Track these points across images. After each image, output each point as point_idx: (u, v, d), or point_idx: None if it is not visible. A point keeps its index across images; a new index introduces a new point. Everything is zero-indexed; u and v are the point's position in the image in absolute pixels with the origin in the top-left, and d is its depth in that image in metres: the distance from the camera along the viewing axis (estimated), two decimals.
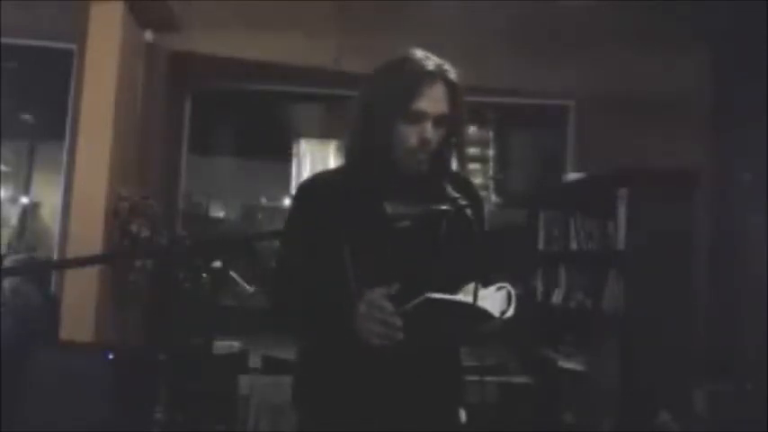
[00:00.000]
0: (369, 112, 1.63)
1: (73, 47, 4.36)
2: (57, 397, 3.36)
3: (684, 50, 4.63)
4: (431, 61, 1.62)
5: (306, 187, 1.74)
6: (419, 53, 1.63)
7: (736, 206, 4.43)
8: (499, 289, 1.57)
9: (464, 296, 1.51)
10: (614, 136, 4.48)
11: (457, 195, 1.61)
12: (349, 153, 1.70)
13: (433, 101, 1.58)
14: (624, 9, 4.64)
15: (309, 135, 5.54)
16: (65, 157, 4.35)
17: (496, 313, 1.50)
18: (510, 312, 1.54)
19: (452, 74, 1.62)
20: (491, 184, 5.13)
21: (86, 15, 3.94)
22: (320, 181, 1.75)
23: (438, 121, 1.60)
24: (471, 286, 1.52)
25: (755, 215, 4.20)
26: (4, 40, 4.23)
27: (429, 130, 1.58)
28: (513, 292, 1.59)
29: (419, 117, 1.58)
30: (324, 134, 5.59)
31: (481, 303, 1.48)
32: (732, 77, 4.59)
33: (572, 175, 4.26)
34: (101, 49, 3.91)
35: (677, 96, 4.56)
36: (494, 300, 1.52)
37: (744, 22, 4.46)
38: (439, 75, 1.60)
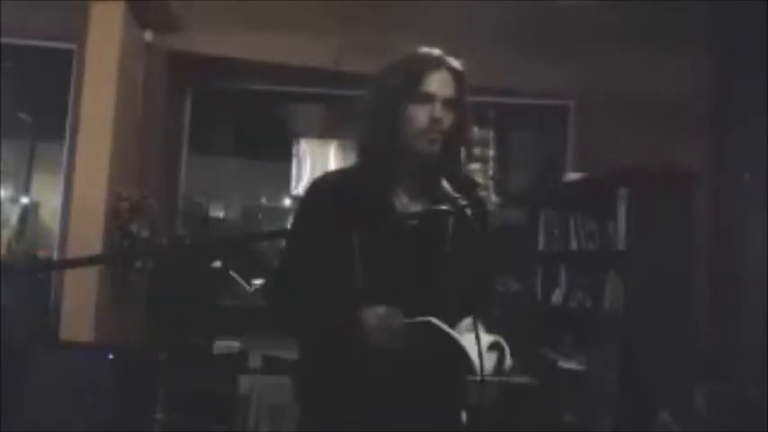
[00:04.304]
0: (380, 99, 1.70)
1: (73, 47, 4.36)
2: (57, 397, 3.35)
3: (684, 50, 4.62)
4: (435, 51, 1.71)
5: (317, 185, 1.78)
6: (424, 48, 1.73)
7: (736, 206, 4.43)
8: (492, 348, 1.57)
9: (463, 333, 1.55)
10: (614, 136, 4.48)
11: (457, 195, 1.63)
12: (360, 145, 1.74)
13: (440, 84, 1.66)
14: (624, 9, 4.64)
15: (309, 135, 5.54)
16: (65, 157, 4.35)
17: (479, 371, 1.51)
18: (493, 372, 1.56)
19: (455, 62, 1.71)
20: (491, 184, 5.13)
21: (86, 15, 3.94)
22: (331, 179, 1.79)
23: (446, 103, 1.66)
24: (469, 321, 1.56)
25: (755, 215, 4.20)
26: (4, 40, 4.23)
27: (439, 110, 1.65)
28: (507, 349, 1.60)
29: (428, 98, 1.65)
30: (324, 134, 5.59)
31: (472, 354, 1.50)
32: (732, 77, 4.59)
33: (572, 175, 4.26)
34: (101, 49, 3.91)
35: (677, 96, 4.56)
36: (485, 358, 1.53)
37: (744, 21, 4.46)
38: (443, 62, 1.69)
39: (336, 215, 1.65)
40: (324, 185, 1.77)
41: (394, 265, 1.63)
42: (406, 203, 1.70)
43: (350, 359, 1.62)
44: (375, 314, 1.56)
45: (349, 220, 1.63)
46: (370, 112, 1.72)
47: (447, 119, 1.66)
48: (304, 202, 1.78)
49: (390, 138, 1.67)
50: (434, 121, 1.64)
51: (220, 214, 6.68)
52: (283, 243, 1.92)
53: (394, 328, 1.54)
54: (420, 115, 1.64)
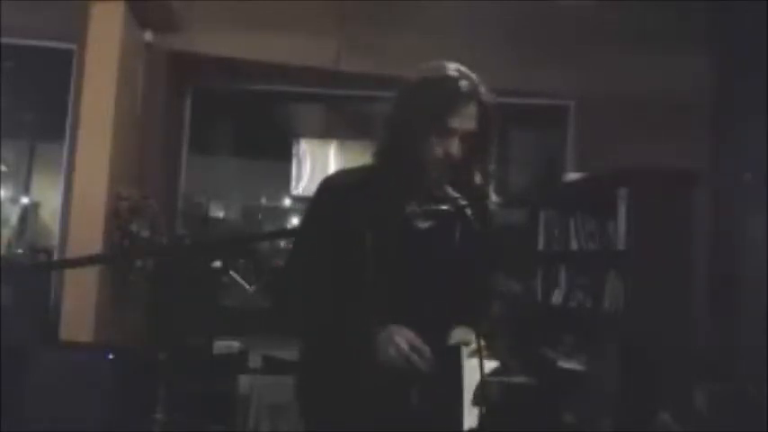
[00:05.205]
0: (404, 123, 1.69)
1: (73, 47, 4.36)
2: (57, 397, 3.36)
3: (684, 50, 4.62)
4: (466, 81, 1.69)
5: (330, 183, 1.79)
6: (455, 71, 1.70)
7: (736, 206, 4.43)
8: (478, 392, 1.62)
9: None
10: (614, 136, 4.48)
11: (457, 195, 1.66)
12: (377, 156, 1.75)
13: (464, 119, 1.67)
14: (624, 9, 4.64)
15: (309, 135, 5.55)
16: (65, 157, 4.35)
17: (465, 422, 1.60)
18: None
19: (485, 95, 1.70)
20: (491, 184, 5.12)
21: (86, 15, 3.94)
22: (343, 179, 1.81)
23: (465, 137, 1.67)
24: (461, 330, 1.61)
25: (755, 215, 4.20)
26: (4, 40, 4.23)
27: (455, 146, 1.66)
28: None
29: (450, 133, 1.66)
30: (324, 134, 5.59)
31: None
32: (732, 77, 4.59)
33: (572, 175, 4.26)
34: (101, 49, 3.91)
35: (677, 96, 4.56)
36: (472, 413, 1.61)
37: (744, 21, 4.46)
38: (474, 95, 1.68)
39: (349, 213, 1.67)
40: (335, 185, 1.78)
41: (403, 264, 1.65)
42: (413, 204, 1.72)
43: (354, 363, 1.62)
44: (396, 336, 1.56)
45: (361, 219, 1.64)
46: (391, 126, 1.72)
47: (461, 150, 1.68)
48: (316, 200, 1.79)
49: (404, 159, 1.68)
50: (449, 156, 1.66)
51: (220, 214, 6.69)
52: (283, 243, 1.94)
53: (417, 353, 1.55)
54: (436, 148, 1.67)
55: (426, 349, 1.55)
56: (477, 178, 1.74)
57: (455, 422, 1.72)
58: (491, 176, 1.78)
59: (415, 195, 1.72)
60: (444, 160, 1.67)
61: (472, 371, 1.57)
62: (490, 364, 1.65)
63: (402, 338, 1.55)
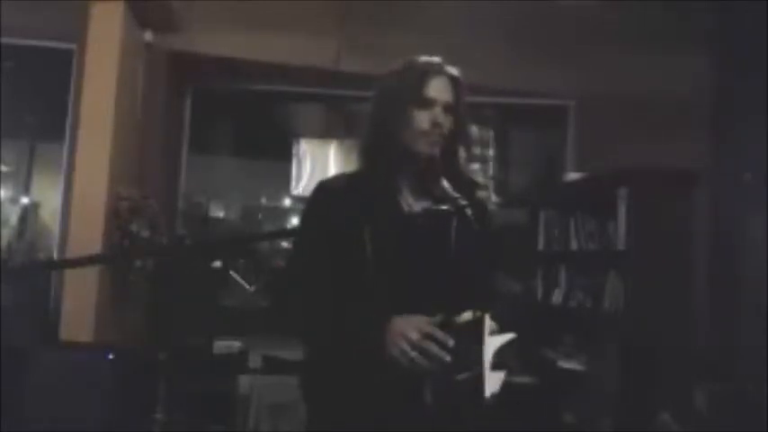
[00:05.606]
0: (382, 104, 1.77)
1: (73, 47, 4.36)
2: (57, 397, 3.36)
3: (684, 50, 4.63)
4: (435, 59, 1.79)
5: (325, 186, 1.81)
6: (423, 56, 1.80)
7: (736, 206, 4.43)
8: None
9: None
10: (614, 136, 4.48)
11: (457, 195, 1.67)
12: (364, 148, 1.79)
13: (440, 90, 1.74)
14: (624, 9, 4.65)
15: (309, 135, 5.54)
16: (65, 157, 4.35)
17: (487, 388, 1.58)
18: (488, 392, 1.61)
19: (453, 70, 1.78)
20: (491, 184, 5.13)
21: (86, 15, 3.94)
22: (337, 181, 1.83)
23: (446, 108, 1.74)
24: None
25: (755, 215, 4.20)
26: (4, 40, 4.23)
27: (440, 115, 1.72)
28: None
29: (430, 103, 1.73)
30: (324, 134, 5.59)
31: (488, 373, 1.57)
32: (732, 77, 4.59)
33: (572, 175, 4.26)
34: (101, 49, 3.91)
35: (677, 96, 4.56)
36: (494, 379, 1.59)
37: (744, 22, 4.46)
38: (443, 69, 1.77)
39: (346, 213, 1.68)
40: (331, 186, 1.80)
41: (403, 262, 1.65)
42: (411, 203, 1.74)
43: (363, 362, 1.61)
44: (405, 327, 1.54)
45: (359, 219, 1.65)
46: (373, 116, 1.78)
47: (446, 123, 1.73)
48: (312, 203, 1.80)
49: (393, 140, 1.72)
50: (435, 125, 1.71)
51: (220, 214, 6.69)
52: (283, 243, 1.95)
53: (439, 335, 1.52)
54: (422, 119, 1.71)
55: (442, 334, 1.51)
56: (461, 152, 1.79)
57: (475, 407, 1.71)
58: (471, 149, 1.82)
59: (410, 179, 1.75)
60: (431, 131, 1.71)
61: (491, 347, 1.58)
62: (506, 336, 1.66)
63: (412, 329, 1.53)
